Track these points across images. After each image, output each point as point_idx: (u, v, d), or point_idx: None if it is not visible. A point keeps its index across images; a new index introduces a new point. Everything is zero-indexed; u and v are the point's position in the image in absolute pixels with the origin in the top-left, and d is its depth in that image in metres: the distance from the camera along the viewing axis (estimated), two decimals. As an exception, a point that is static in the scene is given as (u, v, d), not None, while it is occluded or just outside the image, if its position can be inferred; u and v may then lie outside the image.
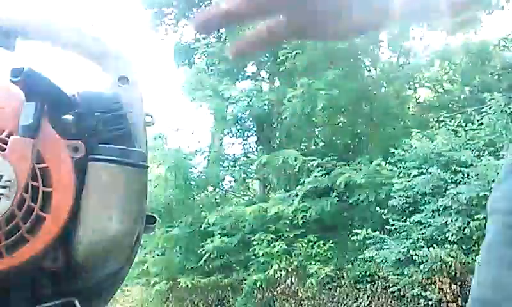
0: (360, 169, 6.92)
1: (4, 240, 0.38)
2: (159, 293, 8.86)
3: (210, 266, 8.09)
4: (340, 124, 9.02)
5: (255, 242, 7.42)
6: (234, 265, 8.06)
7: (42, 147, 0.42)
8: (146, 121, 0.48)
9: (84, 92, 0.51)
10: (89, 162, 0.44)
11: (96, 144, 0.45)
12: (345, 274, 6.71)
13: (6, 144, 0.42)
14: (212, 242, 7.67)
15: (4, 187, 0.37)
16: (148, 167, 0.50)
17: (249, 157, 10.23)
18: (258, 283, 7.27)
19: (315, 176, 7.15)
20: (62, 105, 0.49)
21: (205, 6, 10.66)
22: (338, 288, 6.77)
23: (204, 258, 7.77)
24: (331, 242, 7.06)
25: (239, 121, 10.20)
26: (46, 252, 0.40)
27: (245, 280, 7.53)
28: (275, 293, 7.36)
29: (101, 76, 0.53)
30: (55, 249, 0.41)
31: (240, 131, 10.45)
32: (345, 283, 6.67)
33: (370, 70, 9.09)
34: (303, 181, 7.32)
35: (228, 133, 10.62)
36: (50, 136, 0.44)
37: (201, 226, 8.05)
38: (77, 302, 0.41)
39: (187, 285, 8.09)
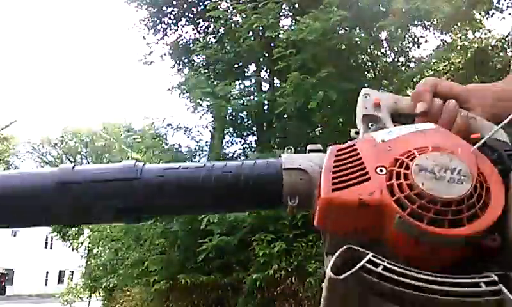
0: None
1: (465, 212, 0.53)
2: (159, 293, 8.87)
3: (210, 266, 8.09)
4: (340, 124, 9.03)
5: (254, 242, 7.43)
6: (234, 265, 8.06)
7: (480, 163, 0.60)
8: None
9: None
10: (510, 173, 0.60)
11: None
12: (345, 274, 6.73)
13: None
14: (210, 240, 7.65)
15: (464, 176, 0.55)
16: None
17: (248, 157, 10.23)
18: (258, 283, 7.28)
19: None
20: None
21: (205, 6, 10.66)
22: (338, 288, 6.78)
23: (203, 256, 7.76)
24: (331, 241, 7.05)
25: (239, 121, 10.19)
26: (488, 231, 0.54)
27: (245, 280, 7.54)
28: (275, 293, 7.38)
29: None
30: (493, 231, 0.54)
31: (239, 130, 10.45)
32: (345, 283, 6.68)
33: (370, 70, 9.10)
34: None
35: (227, 133, 10.62)
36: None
37: (200, 225, 8.04)
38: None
39: (187, 282, 8.09)
